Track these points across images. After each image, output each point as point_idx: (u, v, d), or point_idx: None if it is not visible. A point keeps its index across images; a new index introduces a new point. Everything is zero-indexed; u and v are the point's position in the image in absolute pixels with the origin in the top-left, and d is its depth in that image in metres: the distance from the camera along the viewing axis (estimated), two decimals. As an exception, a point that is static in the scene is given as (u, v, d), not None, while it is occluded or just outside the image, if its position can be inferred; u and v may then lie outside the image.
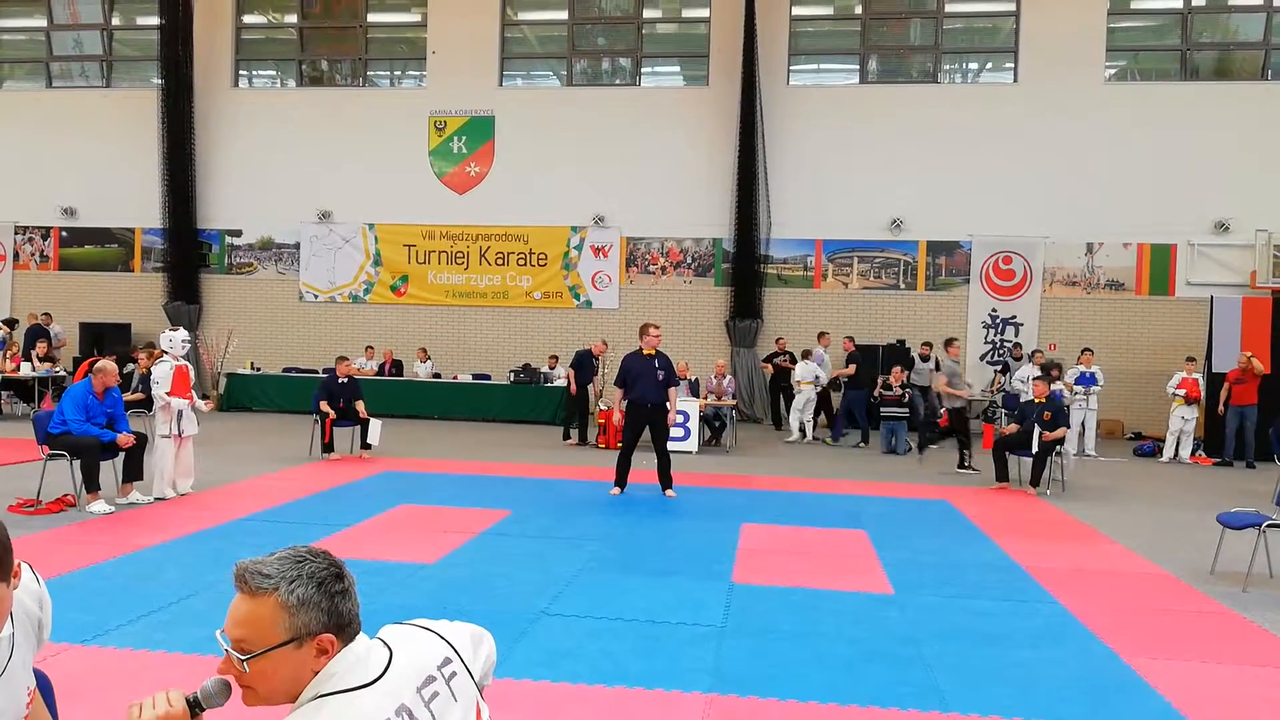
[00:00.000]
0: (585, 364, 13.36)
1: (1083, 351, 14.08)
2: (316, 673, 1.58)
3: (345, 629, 1.62)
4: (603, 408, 13.41)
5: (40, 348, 15.28)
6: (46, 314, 17.33)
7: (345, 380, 11.45)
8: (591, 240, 17.41)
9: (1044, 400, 10.21)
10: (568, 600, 5.45)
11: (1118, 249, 16.16)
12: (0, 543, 1.69)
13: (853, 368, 14.22)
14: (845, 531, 7.64)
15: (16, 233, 19.03)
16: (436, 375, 16.75)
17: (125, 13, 19.19)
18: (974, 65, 17.41)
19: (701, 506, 8.62)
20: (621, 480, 9.06)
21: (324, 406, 11.12)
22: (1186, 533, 7.91)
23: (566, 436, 13.34)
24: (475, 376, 16.54)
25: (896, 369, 13.48)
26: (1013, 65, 16.59)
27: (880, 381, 13.60)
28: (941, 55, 16.96)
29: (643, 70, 17.80)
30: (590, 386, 13.68)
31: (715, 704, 3.95)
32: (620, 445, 9.31)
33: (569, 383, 13.43)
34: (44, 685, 2.21)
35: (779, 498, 9.21)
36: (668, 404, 9.07)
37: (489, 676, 1.96)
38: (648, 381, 8.93)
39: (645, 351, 9.03)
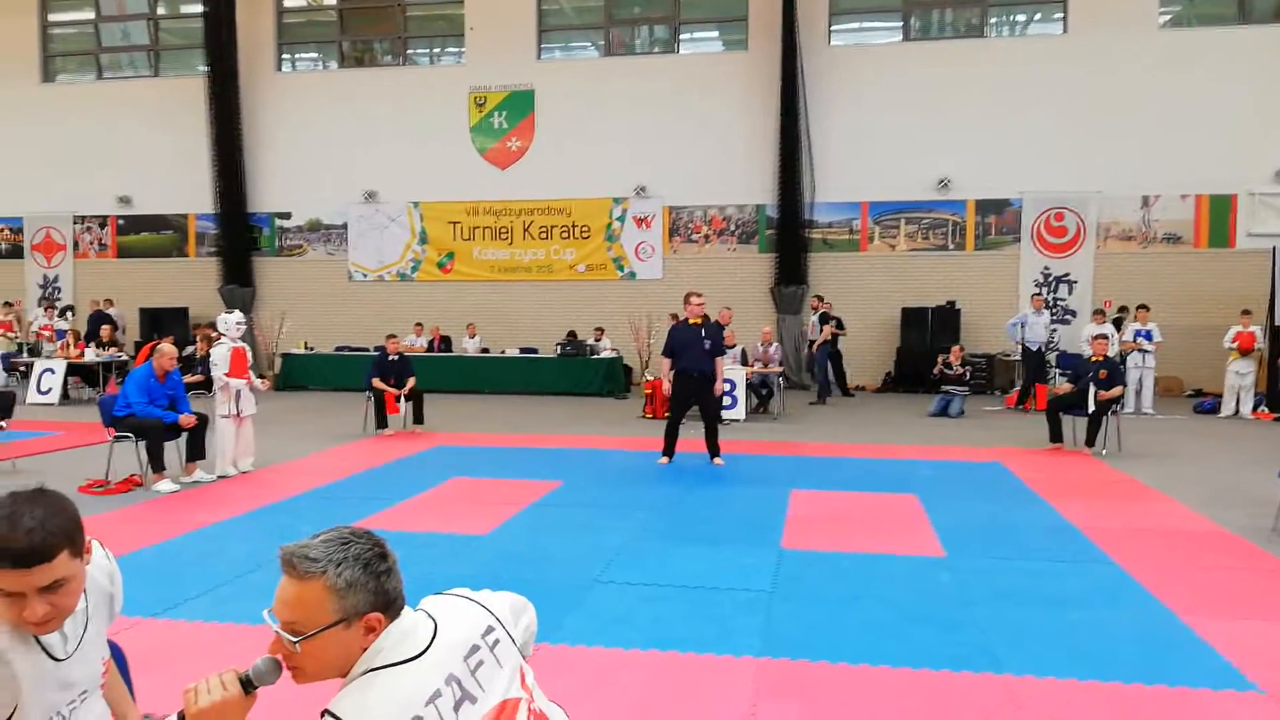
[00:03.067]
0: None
1: (1138, 308, 13.76)
2: (365, 649, 1.62)
3: (391, 606, 1.66)
4: (648, 378, 13.45)
5: (105, 332, 15.74)
6: (108, 299, 17.86)
7: (396, 357, 11.62)
8: (634, 211, 17.38)
9: (1101, 359, 10.03)
10: (619, 568, 5.52)
11: (1175, 201, 15.69)
12: (72, 520, 1.77)
13: (829, 329, 14.63)
14: (895, 496, 7.60)
15: (75, 222, 19.56)
16: (485, 350, 16.92)
17: (170, 2, 19.48)
18: (1021, 17, 16.93)
19: (750, 474, 8.64)
20: (670, 450, 9.10)
21: (377, 383, 11.31)
22: (1248, 490, 7.73)
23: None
24: (523, 350, 16.67)
25: (956, 349, 13.75)
26: (1062, 16, 16.11)
27: (941, 360, 13.55)
28: (988, 8, 16.53)
29: (681, 37, 17.62)
30: None
31: (765, 667, 3.99)
32: (668, 415, 9.35)
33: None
34: (118, 656, 2.31)
35: (827, 463, 9.18)
36: (714, 373, 9.07)
37: (530, 645, 2.00)
38: (694, 351, 8.93)
39: (691, 321, 9.03)
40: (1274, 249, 14.05)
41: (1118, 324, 14.27)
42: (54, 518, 1.73)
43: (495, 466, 8.99)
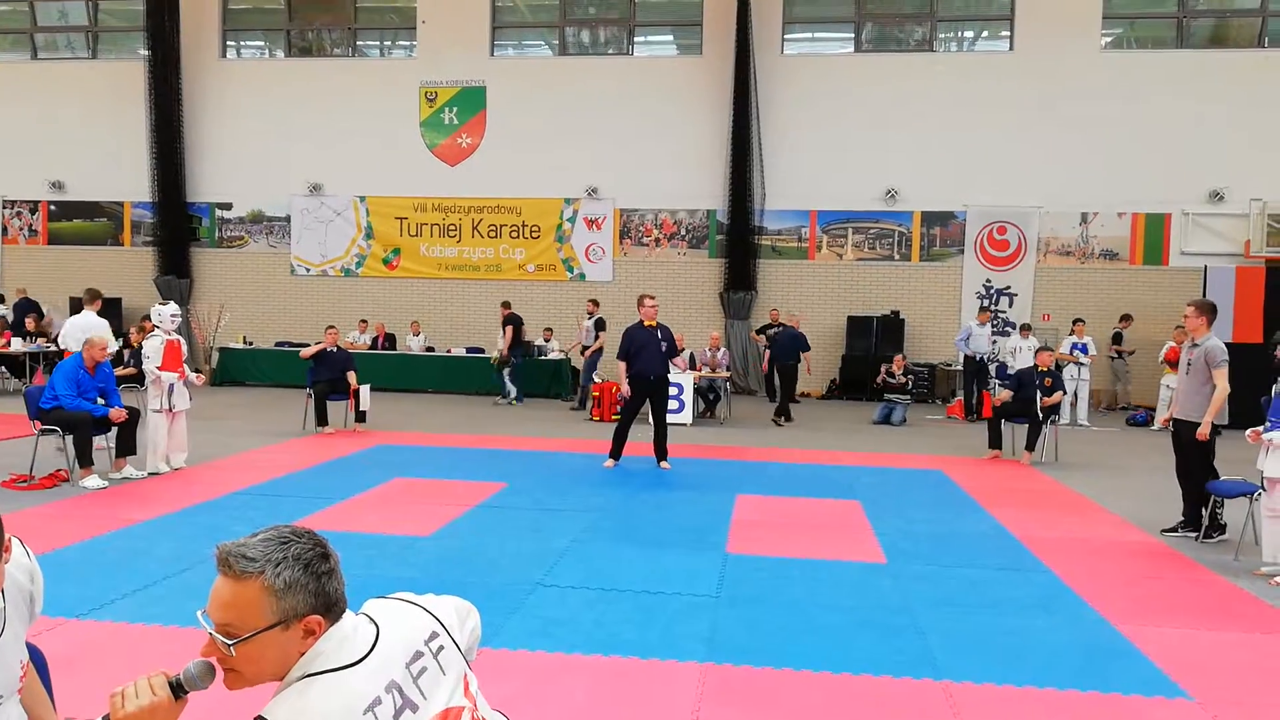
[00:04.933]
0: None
1: (1075, 322, 14.12)
2: (303, 653, 1.56)
3: (332, 609, 1.60)
4: (596, 380, 13.42)
5: (30, 321, 15.20)
6: (20, 288, 17.30)
7: (335, 349, 11.42)
8: (584, 212, 17.32)
9: (1045, 369, 10.28)
10: (563, 571, 5.47)
11: (1112, 218, 16.13)
12: (-12, 517, 1.68)
13: (511, 331, 14.46)
14: (839, 502, 7.67)
15: (5, 207, 18.86)
16: (430, 349, 16.71)
17: (110, -18, 18.92)
18: (969, 34, 17.27)
19: (696, 478, 8.65)
20: (617, 452, 9.08)
21: (306, 353, 11.38)
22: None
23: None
24: (469, 350, 16.50)
25: (898, 358, 13.94)
26: (1008, 33, 16.46)
27: (884, 369, 13.74)
28: (937, 23, 16.82)
29: (635, 39, 17.62)
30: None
31: (709, 673, 3.97)
32: (619, 417, 9.32)
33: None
34: (38, 659, 2.21)
35: (773, 469, 9.24)
36: (668, 375, 9.10)
37: (475, 650, 1.95)
38: (651, 353, 8.93)
39: (646, 323, 9.03)
40: (1205, 267, 14.52)
41: (1118, 338, 15.14)
42: (-31, 514, 1.64)
43: (439, 467, 8.87)
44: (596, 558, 5.80)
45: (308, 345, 14.87)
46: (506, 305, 15.05)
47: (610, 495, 7.80)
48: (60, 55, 19.03)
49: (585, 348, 14.43)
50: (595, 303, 14.94)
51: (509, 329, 14.47)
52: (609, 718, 3.57)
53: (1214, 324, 6.86)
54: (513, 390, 14.63)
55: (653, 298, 9.19)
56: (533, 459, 9.49)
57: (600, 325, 14.36)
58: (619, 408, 12.35)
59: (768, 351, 14.42)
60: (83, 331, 8.69)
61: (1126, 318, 15.24)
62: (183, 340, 8.76)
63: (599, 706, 3.66)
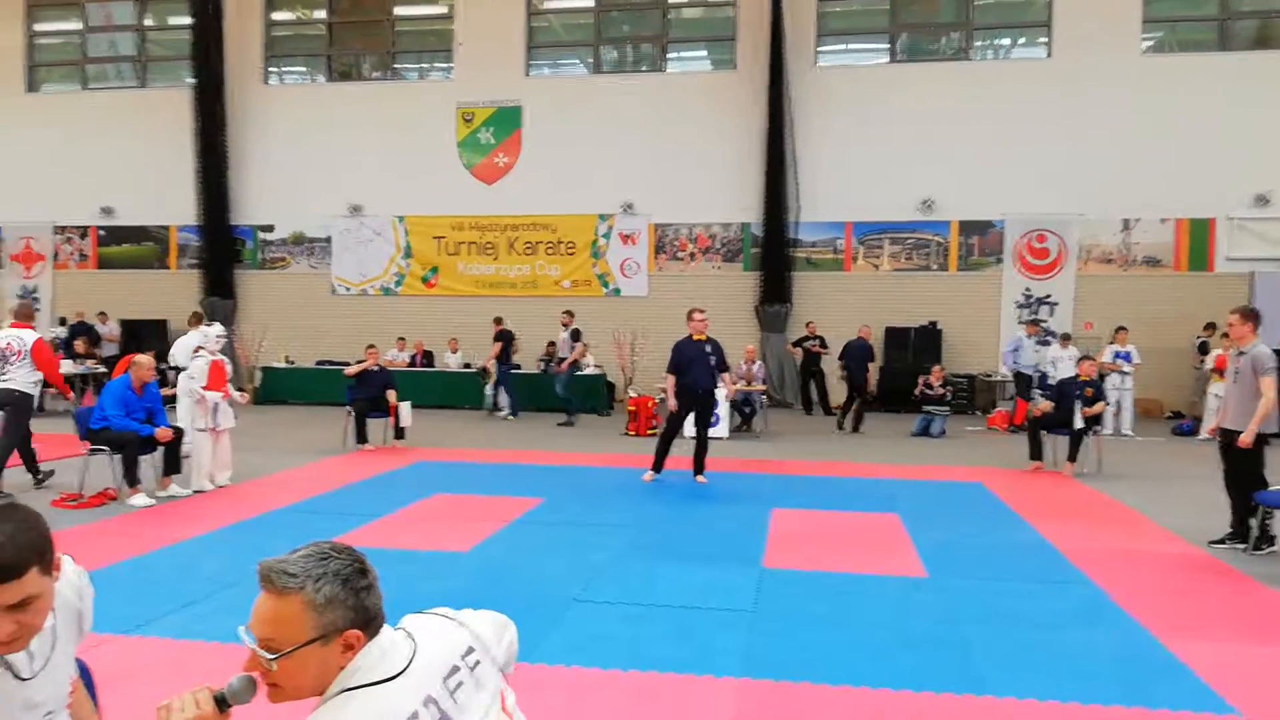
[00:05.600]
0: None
1: (1118, 330, 13.88)
2: (343, 668, 1.59)
3: (371, 624, 1.63)
4: (632, 394, 13.43)
5: (79, 344, 15.58)
6: (102, 313, 17.82)
7: (376, 368, 11.57)
8: (620, 228, 17.40)
9: (1087, 379, 10.13)
10: (600, 586, 5.48)
11: (1155, 224, 15.86)
12: (43, 536, 1.73)
13: (498, 346, 14.57)
14: (877, 515, 7.60)
15: (56, 233, 19.39)
16: (467, 365, 16.85)
17: (158, 13, 19.42)
18: (1005, 41, 17.13)
19: (732, 492, 8.62)
20: (659, 465, 9.05)
21: (350, 371, 11.56)
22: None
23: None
24: (506, 366, 16.59)
25: (937, 369, 13.79)
26: (1046, 40, 16.30)
27: (922, 380, 13.63)
28: (973, 32, 16.71)
29: (669, 56, 17.71)
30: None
31: (747, 688, 3.96)
32: (662, 430, 9.24)
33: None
34: (85, 675, 2.26)
35: (810, 482, 9.18)
36: (717, 389, 9.05)
37: (511, 664, 1.97)
38: (700, 367, 8.92)
39: (695, 336, 9.02)
40: (1252, 273, 14.23)
41: (1204, 347, 14.67)
42: (24, 533, 1.69)
43: (476, 483, 8.93)
44: (633, 573, 5.80)
45: (348, 364, 15.04)
46: (499, 321, 15.20)
47: (647, 510, 7.80)
48: (110, 84, 19.56)
49: (562, 359, 14.53)
50: (570, 314, 15.07)
51: (497, 345, 14.61)
52: (646, 733, 3.57)
53: (1260, 330, 6.72)
54: (504, 403, 14.79)
55: (702, 311, 9.13)
56: (569, 474, 9.52)
57: (576, 336, 14.48)
58: (654, 422, 12.41)
59: (841, 365, 14.42)
60: (188, 351, 9.45)
61: (1210, 326, 14.60)
62: (227, 360, 8.93)
63: (636, 722, 3.66)
